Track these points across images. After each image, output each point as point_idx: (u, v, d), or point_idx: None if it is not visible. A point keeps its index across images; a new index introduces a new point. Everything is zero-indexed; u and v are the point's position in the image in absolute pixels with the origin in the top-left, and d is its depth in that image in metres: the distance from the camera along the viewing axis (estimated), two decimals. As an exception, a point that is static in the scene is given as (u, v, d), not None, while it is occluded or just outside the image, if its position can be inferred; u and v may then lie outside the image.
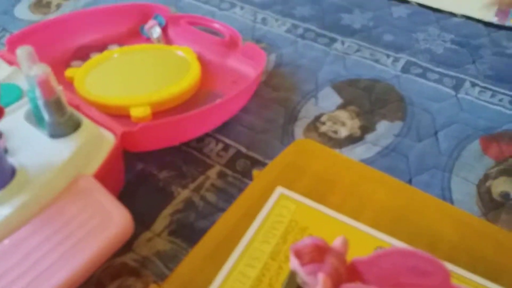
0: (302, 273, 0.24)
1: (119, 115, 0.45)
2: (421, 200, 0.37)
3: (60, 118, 0.35)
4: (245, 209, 0.36)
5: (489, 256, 0.33)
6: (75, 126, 0.37)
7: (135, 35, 0.60)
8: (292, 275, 0.31)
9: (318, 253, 0.24)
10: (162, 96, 0.48)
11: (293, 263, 0.24)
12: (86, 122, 0.37)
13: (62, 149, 0.35)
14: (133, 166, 0.45)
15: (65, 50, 0.56)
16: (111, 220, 0.32)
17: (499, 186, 0.42)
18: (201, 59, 0.55)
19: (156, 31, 0.59)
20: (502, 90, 0.52)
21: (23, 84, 0.41)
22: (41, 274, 0.29)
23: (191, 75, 0.51)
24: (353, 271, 0.24)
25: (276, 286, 0.31)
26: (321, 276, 0.23)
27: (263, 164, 0.45)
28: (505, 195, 0.42)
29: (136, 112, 0.46)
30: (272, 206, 0.36)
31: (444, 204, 0.38)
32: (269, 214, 0.35)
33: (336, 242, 0.24)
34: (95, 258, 0.30)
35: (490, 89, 0.52)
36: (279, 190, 0.37)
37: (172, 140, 0.44)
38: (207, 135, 0.48)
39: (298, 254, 0.24)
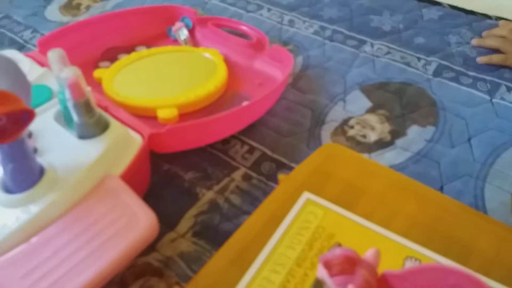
0: (331, 285, 0.23)
1: (146, 116, 0.46)
2: (454, 209, 0.35)
3: (89, 120, 0.35)
4: (270, 213, 0.35)
5: (527, 270, 0.31)
6: (104, 127, 0.37)
7: (163, 37, 0.60)
8: (318, 283, 0.31)
9: (348, 265, 0.23)
10: (189, 98, 0.48)
11: (322, 274, 0.23)
12: (114, 123, 0.38)
13: (90, 150, 0.35)
14: (159, 167, 0.45)
15: (94, 51, 0.57)
16: (137, 221, 0.32)
17: (537, 196, 0.40)
18: (228, 61, 0.54)
19: (184, 33, 0.59)
20: (540, 95, 0.49)
21: (53, 85, 0.42)
22: (68, 272, 0.30)
23: (218, 77, 0.51)
24: (384, 284, 0.23)
25: (301, 294, 0.30)
26: (351, 289, 0.22)
27: (288, 168, 0.44)
28: (543, 206, 0.40)
29: (163, 114, 0.46)
30: (298, 211, 0.35)
31: (478, 213, 0.36)
32: (295, 220, 0.35)
33: (367, 254, 0.23)
34: (121, 258, 0.30)
35: (528, 94, 0.50)
36: (306, 195, 0.36)
37: (199, 141, 0.44)
38: (233, 137, 0.47)
39: (328, 265, 0.23)
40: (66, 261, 0.30)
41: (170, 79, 0.52)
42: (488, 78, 0.52)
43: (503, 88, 0.51)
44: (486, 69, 0.53)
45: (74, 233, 0.32)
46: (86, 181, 0.34)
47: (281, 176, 0.39)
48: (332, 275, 0.23)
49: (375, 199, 0.36)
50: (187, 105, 0.48)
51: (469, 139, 0.46)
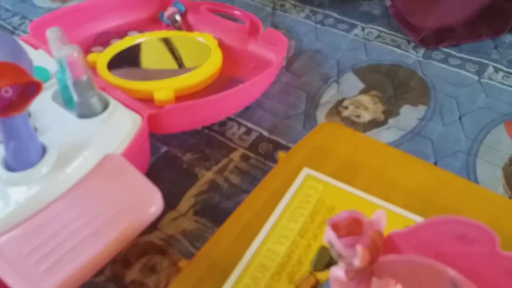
0: (339, 246, 0.24)
1: (142, 98, 0.46)
2: (451, 181, 0.36)
3: (89, 98, 0.35)
4: (271, 189, 0.36)
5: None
6: (103, 106, 0.37)
7: (155, 22, 0.60)
8: (323, 250, 0.31)
9: (355, 226, 0.24)
10: (185, 81, 0.48)
11: (330, 236, 0.24)
12: (113, 102, 0.38)
13: (91, 129, 0.35)
14: (157, 149, 0.45)
15: (86, 36, 0.56)
16: (142, 197, 0.32)
17: (526, 169, 0.42)
18: (222, 45, 0.54)
19: (176, 18, 0.59)
20: (526, 75, 0.51)
21: (50, 66, 0.42)
22: (74, 248, 0.30)
23: (213, 60, 0.51)
24: (390, 245, 0.24)
25: (305, 262, 0.31)
26: (359, 248, 0.23)
27: (285, 148, 0.45)
28: (532, 178, 0.41)
29: (160, 96, 0.46)
30: (299, 186, 0.36)
31: (473, 185, 0.38)
32: (296, 194, 0.35)
33: (374, 216, 0.24)
34: (126, 234, 0.31)
35: (514, 74, 0.51)
36: (306, 171, 0.37)
37: (197, 122, 0.44)
38: (229, 119, 0.48)
39: (335, 227, 0.24)
40: (71, 237, 0.30)
41: (165, 63, 0.52)
42: (475, 59, 0.54)
43: (490, 69, 0.52)
44: (474, 51, 0.55)
45: (78, 211, 0.32)
46: (88, 159, 0.34)
47: (280, 154, 0.40)
48: (340, 236, 0.23)
49: (373, 173, 0.37)
50: (184, 88, 0.48)
51: (460, 118, 0.47)
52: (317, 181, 0.36)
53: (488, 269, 0.19)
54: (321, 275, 0.30)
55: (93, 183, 0.33)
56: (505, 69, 0.52)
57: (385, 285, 0.24)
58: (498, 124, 0.46)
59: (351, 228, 0.24)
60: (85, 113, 0.36)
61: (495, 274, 0.19)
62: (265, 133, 0.47)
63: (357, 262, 0.23)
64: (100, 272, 0.36)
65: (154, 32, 0.56)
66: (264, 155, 0.45)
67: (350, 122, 0.47)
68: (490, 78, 0.51)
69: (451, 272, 0.18)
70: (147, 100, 0.46)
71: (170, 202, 0.40)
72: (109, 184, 0.33)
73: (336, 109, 0.49)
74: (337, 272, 0.27)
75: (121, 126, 0.37)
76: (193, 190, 0.42)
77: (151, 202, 0.32)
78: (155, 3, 0.60)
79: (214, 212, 0.40)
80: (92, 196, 0.32)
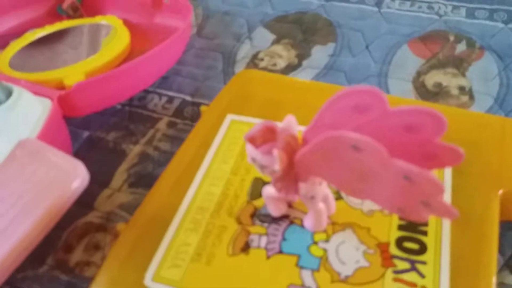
0: (258, 155, 0.24)
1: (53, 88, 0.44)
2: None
3: (-12, 87, 0.34)
4: (199, 141, 0.36)
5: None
6: (6, 95, 0.35)
7: (54, 16, 0.58)
8: (256, 180, 0.32)
9: (270, 134, 0.24)
10: (94, 62, 0.47)
11: (249, 150, 0.25)
12: (17, 89, 0.36)
13: (-4, 117, 0.33)
14: (78, 136, 0.43)
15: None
16: (65, 172, 0.31)
17: (432, 78, 0.45)
18: (128, 24, 0.53)
19: (75, 7, 0.57)
20: (419, -1, 0.55)
21: None
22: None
23: (120, 38, 0.50)
24: (304, 143, 0.25)
25: (241, 195, 0.31)
26: (275, 152, 0.24)
27: (210, 107, 0.45)
28: (438, 84, 0.44)
29: (70, 81, 0.44)
30: (225, 132, 0.36)
31: (389, 96, 0.40)
32: (224, 139, 0.36)
33: (284, 120, 0.25)
34: (54, 210, 0.29)
35: (409, 0, 0.55)
36: (229, 117, 0.38)
37: (111, 98, 0.43)
38: (148, 92, 0.47)
39: (252, 140, 0.24)
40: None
41: (71, 51, 0.50)
42: (373, -7, 0.56)
43: (387, -1, 0.55)
44: (370, -13, 0.57)
45: (-2, 199, 0.30)
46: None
47: (203, 107, 0.40)
48: (257, 146, 0.24)
49: (295, 106, 0.38)
50: (94, 70, 0.46)
51: (367, 47, 0.50)
52: (241, 124, 0.37)
53: (386, 130, 0.21)
54: (258, 203, 0.31)
55: (10, 170, 0.32)
56: (400, -3, 0.55)
57: (311, 186, 0.25)
58: (402, 45, 0.49)
59: (266, 135, 0.24)
60: (-13, 103, 0.34)
61: (393, 132, 0.21)
62: (188, 98, 0.47)
63: (276, 166, 0.24)
64: (42, 262, 0.34)
65: (55, 25, 0.54)
66: (191, 118, 0.45)
67: (268, 72, 0.48)
68: (388, 7, 0.54)
69: (351, 135, 0.19)
70: (59, 89, 0.45)
71: (102, 181, 0.39)
72: (28, 167, 0.32)
73: (253, 63, 0.50)
74: (267, 188, 0.27)
75: (30, 111, 0.35)
76: (124, 165, 0.41)
77: (75, 174, 0.31)
78: (50, -3, 0.58)
79: (149, 180, 0.39)
80: (11, 182, 0.31)
